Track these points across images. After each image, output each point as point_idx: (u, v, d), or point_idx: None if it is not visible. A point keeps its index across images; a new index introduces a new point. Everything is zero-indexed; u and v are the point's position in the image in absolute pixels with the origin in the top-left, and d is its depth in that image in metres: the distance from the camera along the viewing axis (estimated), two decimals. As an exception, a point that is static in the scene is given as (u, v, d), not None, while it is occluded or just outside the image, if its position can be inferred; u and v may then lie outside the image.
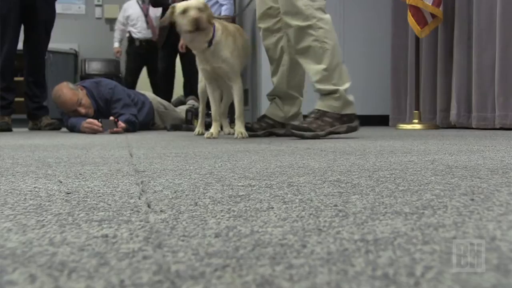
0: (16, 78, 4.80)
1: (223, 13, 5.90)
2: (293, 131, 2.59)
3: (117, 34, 7.19)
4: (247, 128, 3.04)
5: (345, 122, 2.69)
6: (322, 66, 2.67)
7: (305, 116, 3.06)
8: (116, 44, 7.20)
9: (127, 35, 7.04)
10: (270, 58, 3.13)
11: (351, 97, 2.72)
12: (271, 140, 2.58)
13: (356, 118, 2.76)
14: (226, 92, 3.25)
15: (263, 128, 3.07)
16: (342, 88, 2.68)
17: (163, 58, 6.54)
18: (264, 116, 3.12)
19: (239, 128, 2.86)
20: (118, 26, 7.15)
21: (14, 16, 4.44)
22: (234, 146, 2.02)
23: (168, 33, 6.36)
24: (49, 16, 4.72)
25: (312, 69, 2.70)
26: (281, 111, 3.10)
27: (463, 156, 1.42)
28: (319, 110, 2.67)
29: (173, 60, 6.58)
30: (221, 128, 3.30)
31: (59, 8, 7.69)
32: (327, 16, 2.71)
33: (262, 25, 3.05)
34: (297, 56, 2.79)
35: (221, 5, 5.90)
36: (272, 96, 3.14)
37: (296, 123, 2.67)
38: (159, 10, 6.79)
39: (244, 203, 0.70)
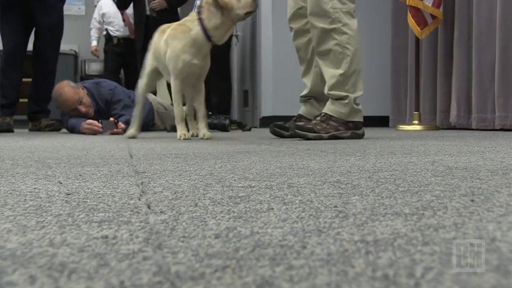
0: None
1: None
2: (297, 130, 2.59)
3: (94, 33, 7.06)
4: (284, 128, 2.99)
5: (351, 128, 2.70)
6: (339, 72, 2.67)
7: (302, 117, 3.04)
8: (94, 43, 7.08)
9: (104, 33, 6.91)
10: (300, 58, 3.09)
11: (359, 106, 2.73)
12: (271, 141, 2.59)
13: (362, 126, 2.77)
14: (196, 93, 2.99)
15: None
16: (352, 95, 2.68)
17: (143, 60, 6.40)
18: (301, 116, 3.06)
19: (204, 128, 2.84)
20: (94, 24, 7.01)
21: (12, 14, 4.41)
22: (234, 147, 2.02)
23: (146, 33, 6.24)
24: (52, 19, 4.68)
25: (329, 72, 2.71)
26: (317, 110, 3.03)
27: (463, 157, 1.42)
28: (325, 113, 2.68)
29: None
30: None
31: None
32: (354, 21, 2.71)
33: (294, 25, 3.02)
34: (317, 56, 2.80)
35: None
36: (306, 98, 3.08)
37: (300, 123, 2.67)
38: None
39: (244, 204, 0.70)
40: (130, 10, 6.77)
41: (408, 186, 0.86)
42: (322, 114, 2.69)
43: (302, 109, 3.09)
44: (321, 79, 2.99)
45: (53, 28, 4.67)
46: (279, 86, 5.86)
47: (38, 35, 4.64)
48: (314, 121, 2.66)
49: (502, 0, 3.85)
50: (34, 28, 4.67)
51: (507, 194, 0.76)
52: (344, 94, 2.68)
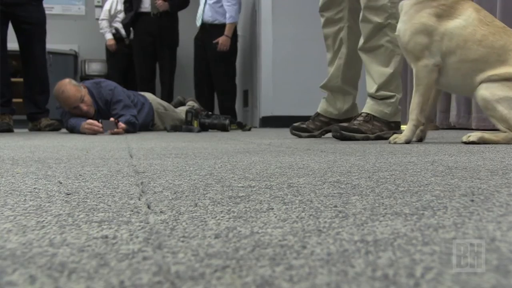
0: (14, 79, 4.77)
1: (228, 21, 5.82)
2: (343, 132, 2.50)
3: (106, 24, 6.66)
4: (302, 129, 2.90)
5: (393, 129, 2.63)
6: (389, 70, 2.60)
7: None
8: (110, 36, 6.68)
9: (113, 31, 6.64)
10: (328, 46, 3.00)
11: (400, 106, 2.67)
12: (271, 140, 2.59)
13: (401, 126, 2.70)
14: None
15: (318, 128, 2.96)
16: (398, 95, 2.62)
17: (139, 66, 6.23)
18: (318, 114, 3.00)
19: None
20: (106, 16, 6.68)
21: None
22: (234, 147, 2.02)
23: (137, 35, 6.12)
24: (33, 18, 4.59)
25: (378, 70, 2.62)
26: (333, 107, 2.98)
27: (463, 157, 1.42)
28: (368, 113, 2.60)
29: (150, 66, 6.25)
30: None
31: (59, 9, 7.70)
32: None
33: (326, 13, 2.92)
34: (362, 52, 2.69)
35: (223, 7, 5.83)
36: (324, 89, 3.01)
37: (345, 124, 2.58)
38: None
39: (244, 204, 0.70)
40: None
41: (408, 186, 0.86)
42: (365, 114, 2.60)
43: (320, 107, 3.02)
44: (342, 72, 2.91)
45: (36, 25, 4.60)
46: (279, 86, 5.86)
47: (18, 31, 4.58)
48: (357, 121, 2.57)
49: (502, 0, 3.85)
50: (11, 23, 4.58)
51: (507, 194, 0.76)
52: (391, 94, 2.61)
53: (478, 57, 2.04)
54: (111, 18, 6.71)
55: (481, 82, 2.04)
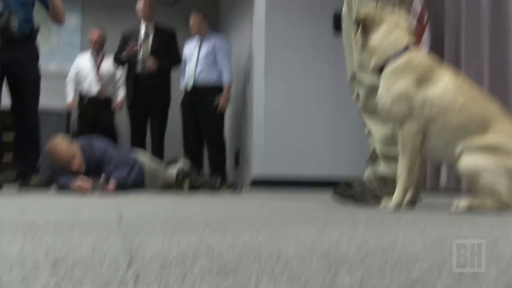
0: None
1: (227, 82, 5.93)
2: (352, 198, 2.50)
3: (70, 87, 6.64)
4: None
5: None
6: (390, 128, 2.50)
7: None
8: (70, 97, 6.64)
9: (79, 92, 6.62)
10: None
11: None
12: (262, 202, 2.58)
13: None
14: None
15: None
16: None
17: (131, 123, 6.17)
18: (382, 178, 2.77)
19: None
20: (70, 80, 6.68)
21: None
22: (224, 211, 2.02)
23: (135, 91, 6.16)
24: (29, 76, 4.60)
25: (380, 131, 2.56)
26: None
27: (453, 226, 1.42)
28: (383, 177, 2.52)
29: (141, 123, 6.18)
30: None
31: (54, 66, 7.79)
32: None
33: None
34: (362, 112, 2.65)
35: (218, 70, 5.93)
36: None
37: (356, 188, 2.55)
38: (110, 65, 6.44)
39: (233, 277, 0.69)
40: (106, 68, 6.58)
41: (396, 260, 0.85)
42: (379, 177, 2.54)
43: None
44: None
45: (30, 83, 4.61)
46: (271, 146, 5.89)
47: (13, 88, 4.59)
48: (372, 185, 2.53)
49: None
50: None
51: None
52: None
53: (458, 125, 2.07)
54: (76, 77, 6.66)
55: (462, 151, 2.06)
